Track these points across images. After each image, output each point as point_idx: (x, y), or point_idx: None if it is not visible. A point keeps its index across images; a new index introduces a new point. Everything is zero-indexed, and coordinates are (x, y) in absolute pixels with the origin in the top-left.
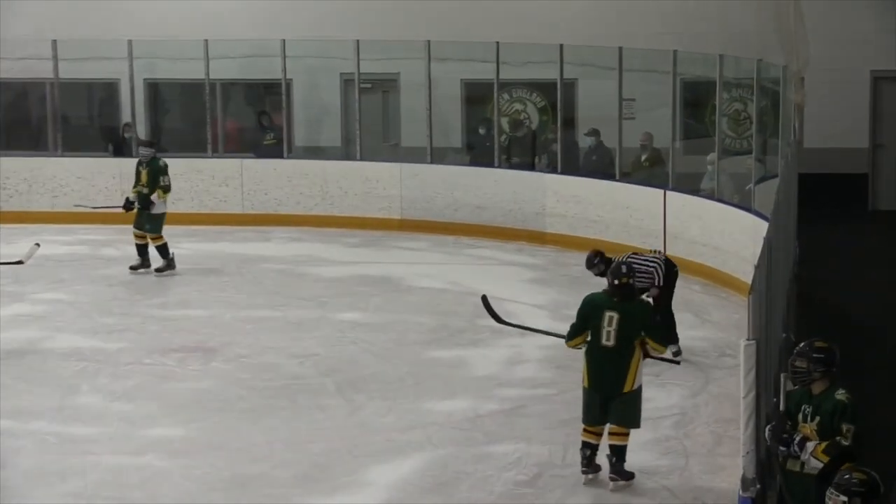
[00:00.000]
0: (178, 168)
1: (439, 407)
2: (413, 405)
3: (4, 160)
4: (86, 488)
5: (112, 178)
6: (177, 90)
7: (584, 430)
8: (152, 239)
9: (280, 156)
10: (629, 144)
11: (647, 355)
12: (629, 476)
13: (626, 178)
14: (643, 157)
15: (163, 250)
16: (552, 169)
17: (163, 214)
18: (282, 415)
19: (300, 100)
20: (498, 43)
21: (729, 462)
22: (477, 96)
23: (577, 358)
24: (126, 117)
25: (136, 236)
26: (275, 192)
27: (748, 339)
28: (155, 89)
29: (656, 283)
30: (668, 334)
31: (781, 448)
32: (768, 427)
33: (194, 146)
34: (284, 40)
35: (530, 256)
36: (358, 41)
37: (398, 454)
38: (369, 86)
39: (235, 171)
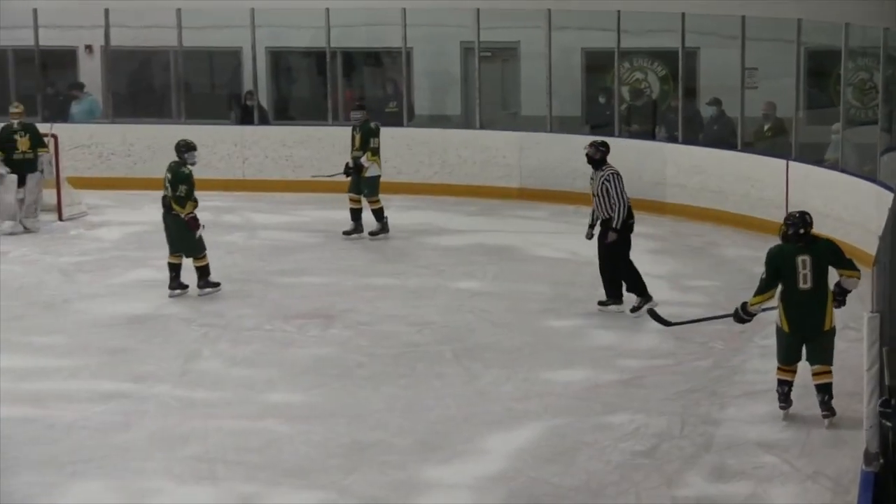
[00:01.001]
0: (299, 136)
1: (557, 376)
2: (531, 374)
3: (130, 127)
4: (207, 452)
5: (234, 145)
6: (298, 58)
7: (780, 369)
8: (370, 202)
9: (400, 124)
10: (751, 114)
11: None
12: (835, 412)
13: (748, 148)
14: (766, 127)
15: (378, 214)
16: (672, 138)
17: (377, 177)
18: (400, 382)
19: (420, 68)
20: (619, 11)
21: (851, 436)
22: (597, 65)
23: (696, 328)
24: (248, 85)
25: (351, 200)
26: (394, 160)
27: (872, 312)
28: (277, 57)
29: (614, 225)
30: (638, 285)
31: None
32: (880, 402)
33: (315, 114)
34: (405, 8)
35: (650, 227)
36: (478, 9)
37: (516, 423)
38: (489, 54)
39: None
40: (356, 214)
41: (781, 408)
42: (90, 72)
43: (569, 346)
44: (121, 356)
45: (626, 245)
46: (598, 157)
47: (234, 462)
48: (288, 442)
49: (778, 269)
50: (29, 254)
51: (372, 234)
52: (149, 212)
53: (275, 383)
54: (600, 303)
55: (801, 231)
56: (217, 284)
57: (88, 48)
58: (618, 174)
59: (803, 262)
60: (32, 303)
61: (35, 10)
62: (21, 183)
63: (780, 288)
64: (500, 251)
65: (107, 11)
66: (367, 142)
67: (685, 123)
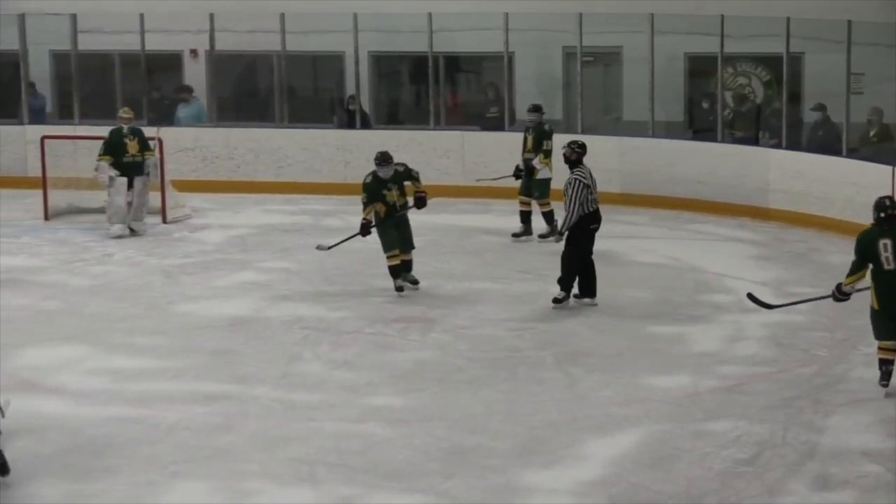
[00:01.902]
0: (401, 140)
1: (658, 382)
2: (631, 380)
3: (233, 131)
4: (308, 454)
5: (336, 149)
6: (400, 63)
7: (879, 348)
8: (540, 205)
9: (501, 128)
10: (857, 119)
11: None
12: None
13: (853, 153)
14: (871, 133)
15: (548, 217)
16: (776, 144)
17: (548, 180)
18: (501, 387)
19: (522, 73)
20: (723, 16)
21: None
22: (700, 70)
23: (799, 336)
24: (351, 89)
25: (521, 203)
26: (495, 165)
27: None
28: (379, 62)
29: (560, 229)
30: (591, 286)
31: None
32: None
33: (417, 118)
34: (507, 13)
35: (752, 232)
36: (581, 14)
37: (616, 428)
38: (591, 59)
39: (457, 143)
40: (526, 217)
41: (883, 385)
42: (194, 76)
43: (670, 352)
44: (223, 358)
45: (584, 244)
46: (574, 158)
47: (334, 464)
48: (388, 445)
49: (864, 253)
50: (133, 256)
51: (541, 236)
52: (251, 215)
53: (375, 386)
54: (574, 296)
55: (882, 215)
56: (415, 283)
57: (193, 52)
58: (579, 181)
59: (884, 245)
60: (136, 304)
61: (141, 15)
62: (129, 186)
63: (871, 268)
64: (600, 256)
65: (212, 16)
66: (540, 143)
67: (789, 129)
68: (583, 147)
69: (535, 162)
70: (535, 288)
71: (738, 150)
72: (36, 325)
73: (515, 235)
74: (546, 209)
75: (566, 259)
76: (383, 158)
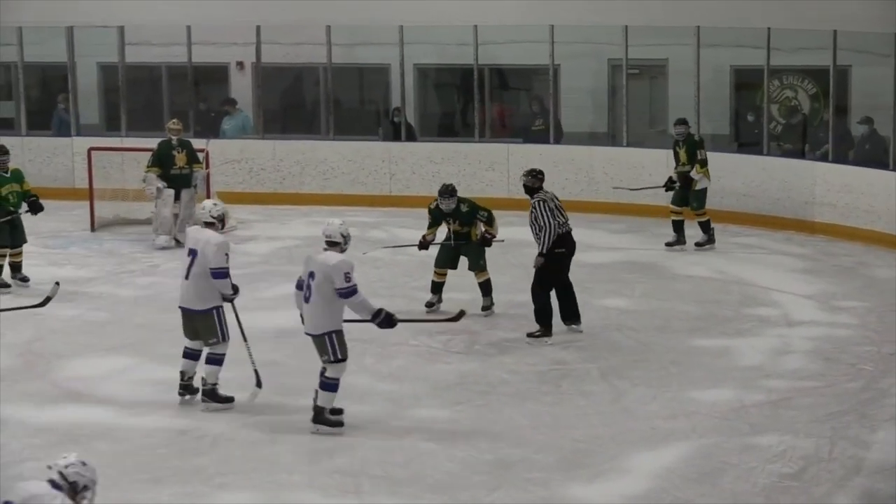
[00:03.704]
0: (446, 152)
1: (703, 396)
2: (677, 393)
3: (279, 143)
4: (352, 466)
5: (381, 161)
6: (446, 75)
7: None
8: (697, 214)
9: (546, 141)
10: None
11: None
12: None
13: None
14: None
15: (705, 226)
16: (823, 157)
17: (705, 190)
18: (545, 399)
19: (568, 85)
20: (769, 29)
21: None
22: (746, 83)
23: (845, 350)
24: (396, 102)
25: (673, 213)
26: None
27: None
28: (425, 74)
29: (541, 250)
30: (574, 312)
31: None
32: None
33: (462, 131)
34: (553, 26)
35: (798, 246)
36: (626, 27)
37: (661, 442)
38: (637, 72)
39: (502, 155)
40: (678, 226)
41: None
42: (241, 88)
43: (716, 366)
44: (268, 369)
45: (551, 272)
46: (536, 186)
47: (378, 477)
48: (432, 458)
49: None
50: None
51: (698, 244)
52: (297, 227)
53: (419, 399)
54: (566, 323)
55: None
56: (486, 308)
57: (240, 64)
58: (543, 200)
59: None
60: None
61: (188, 27)
62: (176, 198)
63: None
64: (647, 269)
65: (258, 28)
66: (694, 154)
67: (836, 142)
68: (542, 174)
69: (693, 173)
70: (581, 300)
71: (784, 163)
72: (82, 335)
73: (669, 245)
74: (703, 219)
75: (533, 291)
76: (443, 191)
